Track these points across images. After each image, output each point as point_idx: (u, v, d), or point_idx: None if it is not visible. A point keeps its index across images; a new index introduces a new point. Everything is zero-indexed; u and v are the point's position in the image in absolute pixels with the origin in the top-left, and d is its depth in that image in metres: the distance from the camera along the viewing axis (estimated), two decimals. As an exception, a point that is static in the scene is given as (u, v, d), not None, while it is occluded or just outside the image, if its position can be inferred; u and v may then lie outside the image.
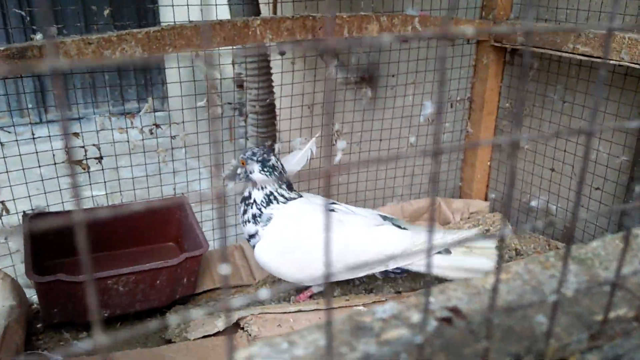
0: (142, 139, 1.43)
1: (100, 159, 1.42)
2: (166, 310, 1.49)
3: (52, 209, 1.48)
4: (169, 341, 1.37)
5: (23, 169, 1.35)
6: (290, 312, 1.37)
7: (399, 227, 1.42)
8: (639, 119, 1.45)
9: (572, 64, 1.56)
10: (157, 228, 1.60)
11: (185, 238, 1.57)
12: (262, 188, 1.39)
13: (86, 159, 1.39)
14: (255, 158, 1.40)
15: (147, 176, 1.51)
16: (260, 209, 1.40)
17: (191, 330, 1.33)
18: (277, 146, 1.83)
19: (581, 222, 1.65)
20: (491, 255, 1.37)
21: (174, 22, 1.30)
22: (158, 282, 1.37)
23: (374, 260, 1.32)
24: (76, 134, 1.37)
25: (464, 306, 0.35)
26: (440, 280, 1.40)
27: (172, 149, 1.49)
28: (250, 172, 1.40)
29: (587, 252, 0.41)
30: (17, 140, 1.34)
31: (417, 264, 1.38)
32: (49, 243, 1.45)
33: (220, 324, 1.31)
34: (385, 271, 1.43)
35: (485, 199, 1.99)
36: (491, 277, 0.37)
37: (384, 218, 1.45)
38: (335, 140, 1.76)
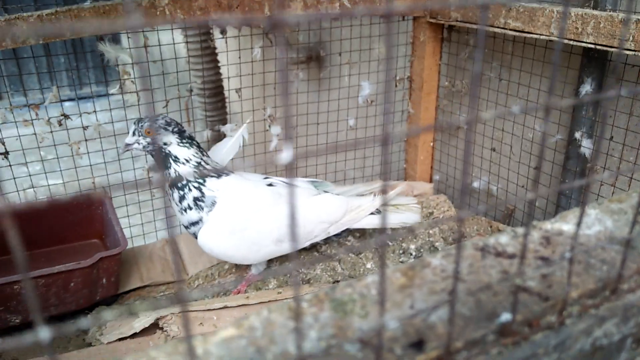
0: (51, 131, 1.33)
1: (5, 154, 1.32)
2: (88, 312, 1.42)
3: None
4: (90, 344, 1.31)
5: None
6: (214, 309, 1.30)
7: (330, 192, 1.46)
8: (574, 95, 1.40)
9: (507, 40, 1.51)
10: (79, 224, 1.51)
11: (107, 235, 1.49)
12: (186, 161, 1.26)
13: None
14: (170, 128, 1.25)
15: (60, 170, 1.41)
16: (200, 189, 1.28)
17: (107, 332, 1.26)
18: (227, 128, 1.72)
19: (520, 203, 1.62)
20: (415, 209, 1.52)
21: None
22: (72, 284, 1.28)
23: (318, 228, 1.40)
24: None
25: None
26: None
27: (86, 140, 1.39)
28: (166, 144, 1.26)
29: (354, 291, 0.35)
30: None
31: (355, 224, 1.45)
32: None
33: (137, 325, 1.24)
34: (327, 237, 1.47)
35: (430, 181, 1.95)
36: (207, 340, 0.31)
37: (315, 185, 1.47)
38: (269, 126, 1.68)
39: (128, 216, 1.58)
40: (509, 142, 1.61)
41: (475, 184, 1.76)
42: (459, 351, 0.31)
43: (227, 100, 2.05)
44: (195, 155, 1.28)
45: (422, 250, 1.64)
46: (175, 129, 1.26)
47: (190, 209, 1.28)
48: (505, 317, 0.33)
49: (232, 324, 0.32)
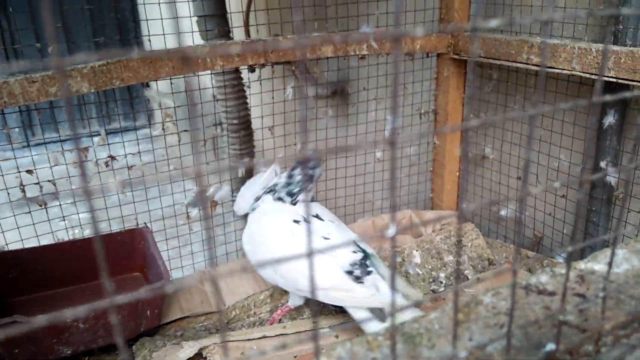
0: (98, 172, 1.42)
1: (57, 194, 1.41)
2: (132, 343, 1.48)
3: (11, 247, 1.46)
4: (135, 375, 1.36)
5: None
6: (254, 339, 1.35)
7: (376, 270, 1.32)
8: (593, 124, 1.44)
9: (529, 74, 1.56)
10: (122, 259, 1.59)
11: (149, 268, 1.56)
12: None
13: (42, 195, 1.38)
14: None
15: (106, 208, 1.49)
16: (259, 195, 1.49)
17: (153, 363, 1.32)
18: (260, 162, 1.80)
19: (548, 230, 1.64)
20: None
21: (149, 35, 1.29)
22: (119, 317, 1.35)
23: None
24: (30, 171, 1.36)
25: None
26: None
27: (130, 179, 1.47)
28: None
29: (420, 326, 0.40)
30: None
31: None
32: (12, 280, 1.45)
33: (182, 355, 1.29)
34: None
35: (457, 209, 1.98)
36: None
37: (364, 253, 1.35)
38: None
39: (168, 250, 1.66)
40: (535, 172, 1.65)
41: (503, 212, 1.80)
42: (512, 377, 0.36)
43: (255, 136, 2.14)
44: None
45: (451, 278, 1.67)
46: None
47: (256, 200, 1.50)
48: (550, 346, 0.38)
49: (323, 353, 0.38)
